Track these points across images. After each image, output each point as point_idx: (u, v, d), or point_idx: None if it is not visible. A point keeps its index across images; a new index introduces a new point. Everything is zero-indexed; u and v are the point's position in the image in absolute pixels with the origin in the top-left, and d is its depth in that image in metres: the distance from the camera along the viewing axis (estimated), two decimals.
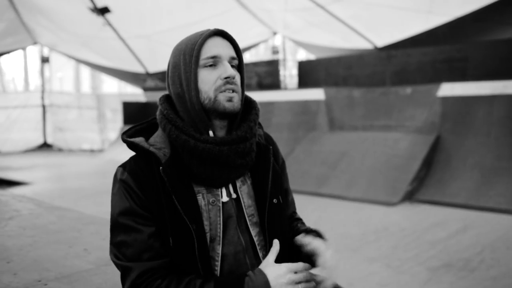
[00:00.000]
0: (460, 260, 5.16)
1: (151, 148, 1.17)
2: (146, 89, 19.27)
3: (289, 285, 1.10)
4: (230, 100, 1.19)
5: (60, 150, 20.37)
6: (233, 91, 1.20)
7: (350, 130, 10.98)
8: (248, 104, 1.30)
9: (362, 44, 14.31)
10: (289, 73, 17.34)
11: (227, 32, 1.24)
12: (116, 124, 22.27)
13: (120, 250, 1.12)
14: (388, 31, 13.50)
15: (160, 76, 18.82)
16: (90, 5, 14.90)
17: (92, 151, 20.17)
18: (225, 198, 1.21)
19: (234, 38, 1.26)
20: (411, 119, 10.08)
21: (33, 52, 24.99)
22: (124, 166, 1.18)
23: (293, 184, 6.32)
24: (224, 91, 1.19)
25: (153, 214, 1.14)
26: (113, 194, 1.17)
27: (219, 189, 1.21)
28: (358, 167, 9.47)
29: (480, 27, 11.65)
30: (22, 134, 20.18)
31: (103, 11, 15.10)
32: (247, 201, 1.23)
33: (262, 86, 13.64)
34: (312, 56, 17.53)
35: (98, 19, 15.48)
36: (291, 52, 28.39)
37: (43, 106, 20.68)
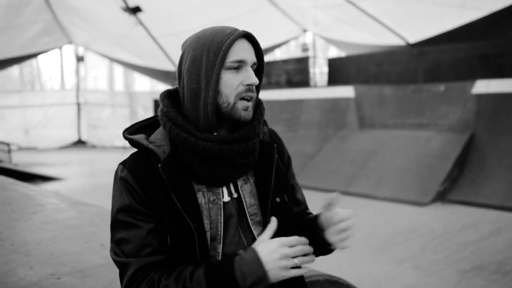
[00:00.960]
0: (493, 263, 5.02)
1: (150, 146, 1.16)
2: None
3: (283, 260, 1.06)
4: (246, 109, 1.19)
5: (93, 146, 20.92)
6: (250, 99, 1.20)
7: (381, 129, 10.91)
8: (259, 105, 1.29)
9: (393, 41, 14.20)
10: (319, 71, 17.30)
11: (254, 36, 1.23)
12: None
13: (119, 247, 1.12)
14: (421, 27, 13.36)
15: None
16: (123, 4, 15.27)
17: (124, 148, 20.58)
18: (226, 198, 1.19)
19: (259, 43, 1.24)
20: (444, 117, 9.93)
21: (69, 52, 25.64)
22: (124, 163, 1.18)
23: (322, 182, 6.35)
24: (244, 98, 1.18)
25: (153, 211, 1.13)
26: (114, 192, 1.17)
27: (220, 188, 1.19)
28: (388, 166, 9.43)
29: None
30: (58, 131, 20.82)
31: (135, 10, 15.46)
32: (249, 200, 1.21)
33: (291, 83, 13.65)
34: (342, 54, 17.47)
35: (130, 18, 15.85)
36: (321, 49, 28.24)
37: (78, 104, 21.27)
